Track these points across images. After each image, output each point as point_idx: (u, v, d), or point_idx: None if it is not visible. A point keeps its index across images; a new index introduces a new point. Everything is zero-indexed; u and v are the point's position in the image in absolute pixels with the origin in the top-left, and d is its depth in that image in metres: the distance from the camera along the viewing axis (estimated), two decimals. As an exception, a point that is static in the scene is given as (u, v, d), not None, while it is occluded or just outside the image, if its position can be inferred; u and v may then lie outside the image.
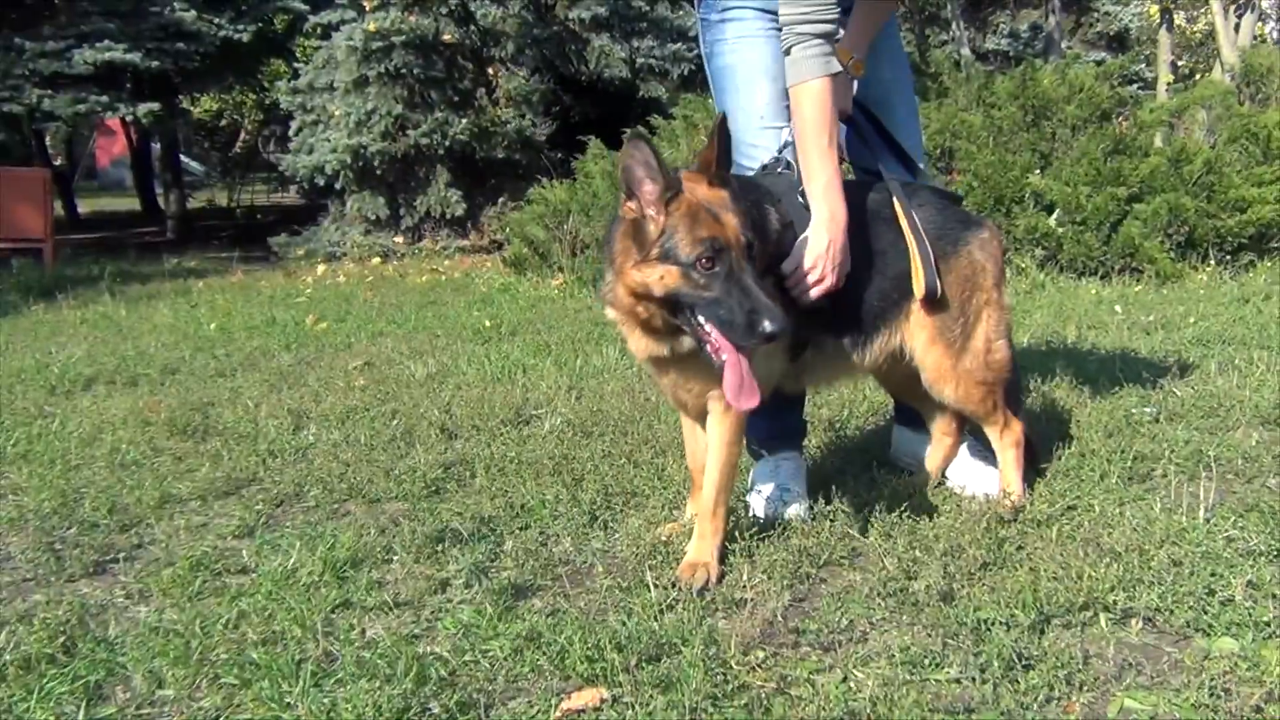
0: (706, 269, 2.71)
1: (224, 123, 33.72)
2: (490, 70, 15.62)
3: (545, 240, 10.75)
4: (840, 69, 3.25)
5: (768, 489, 3.56)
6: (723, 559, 3.07)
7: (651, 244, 2.77)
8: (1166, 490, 3.56)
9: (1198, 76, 20.99)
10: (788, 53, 3.22)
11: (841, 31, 3.27)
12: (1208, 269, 8.77)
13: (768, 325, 2.63)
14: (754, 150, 3.47)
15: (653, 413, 4.79)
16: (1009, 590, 2.78)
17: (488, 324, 7.94)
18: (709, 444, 3.14)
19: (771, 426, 3.71)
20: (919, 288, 3.28)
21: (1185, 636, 2.60)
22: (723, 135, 2.82)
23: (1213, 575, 2.83)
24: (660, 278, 2.77)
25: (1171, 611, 2.68)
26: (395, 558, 3.25)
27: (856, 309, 3.30)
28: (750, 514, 3.48)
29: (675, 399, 3.24)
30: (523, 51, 15.46)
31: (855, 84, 3.51)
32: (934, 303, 3.32)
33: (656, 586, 2.91)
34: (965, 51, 21.98)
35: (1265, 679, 2.35)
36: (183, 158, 25.55)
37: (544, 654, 2.54)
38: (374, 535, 3.44)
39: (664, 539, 3.28)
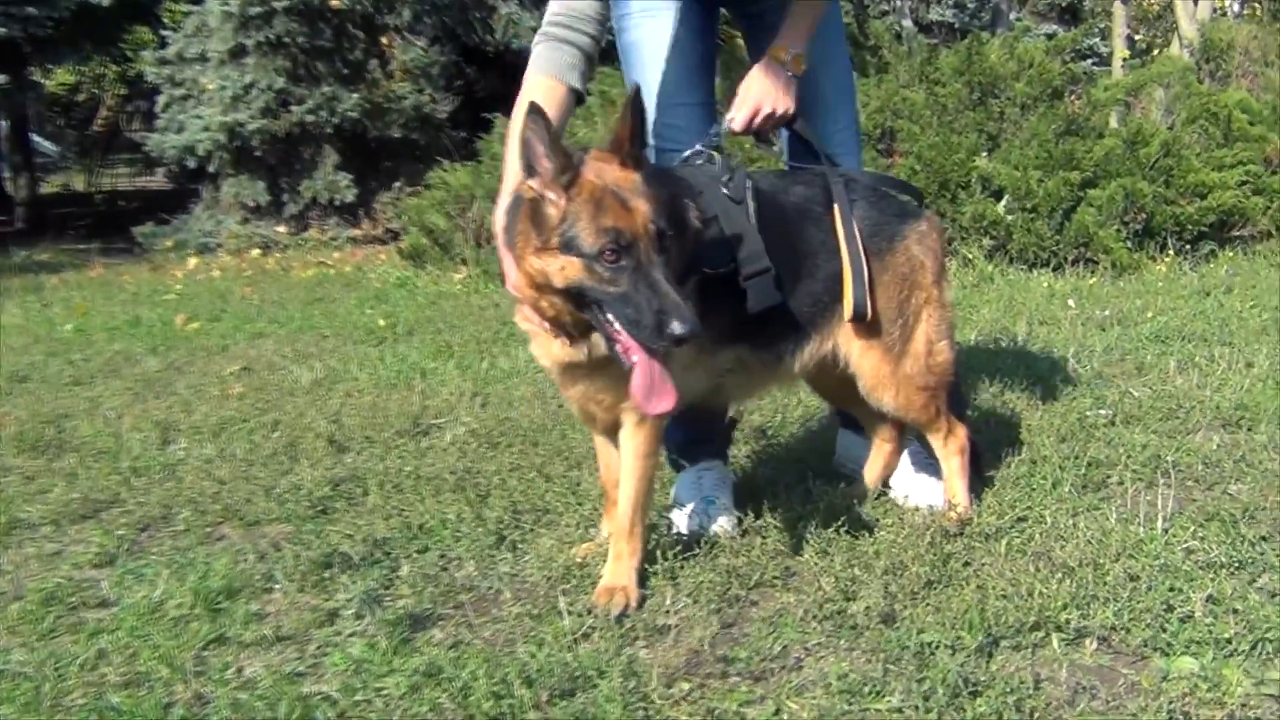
0: (611, 262, 2.69)
1: (81, 98, 32.99)
2: (384, 40, 15.48)
3: (446, 229, 10.69)
4: (579, 88, 3.37)
5: (691, 503, 3.58)
6: (643, 582, 3.08)
7: (551, 230, 2.76)
8: (1123, 499, 3.65)
9: (1155, 52, 21.52)
10: (535, 46, 3.38)
11: (586, 56, 3.37)
12: (1166, 259, 8.99)
13: (676, 327, 2.61)
14: (668, 130, 3.51)
15: (566, 421, 4.79)
16: (955, 610, 2.82)
17: (382, 323, 7.88)
18: (622, 457, 3.15)
19: (691, 433, 3.73)
20: (847, 308, 3.32)
21: (1142, 657, 2.65)
22: (635, 111, 2.82)
23: (1171, 590, 2.90)
24: (561, 269, 2.76)
25: (1128, 630, 2.74)
26: (277, 586, 3.21)
27: (785, 314, 3.31)
28: (673, 531, 3.50)
29: (584, 412, 3.24)
30: (421, 19, 15.38)
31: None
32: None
33: (570, 613, 2.90)
34: (907, 23, 22.29)
35: (1227, 700, 2.41)
36: (34, 137, 24.98)
37: (445, 691, 2.52)
38: (252, 562, 3.39)
39: (579, 561, 3.28)
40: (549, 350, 3.06)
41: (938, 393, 3.53)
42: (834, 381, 3.65)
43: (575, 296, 2.79)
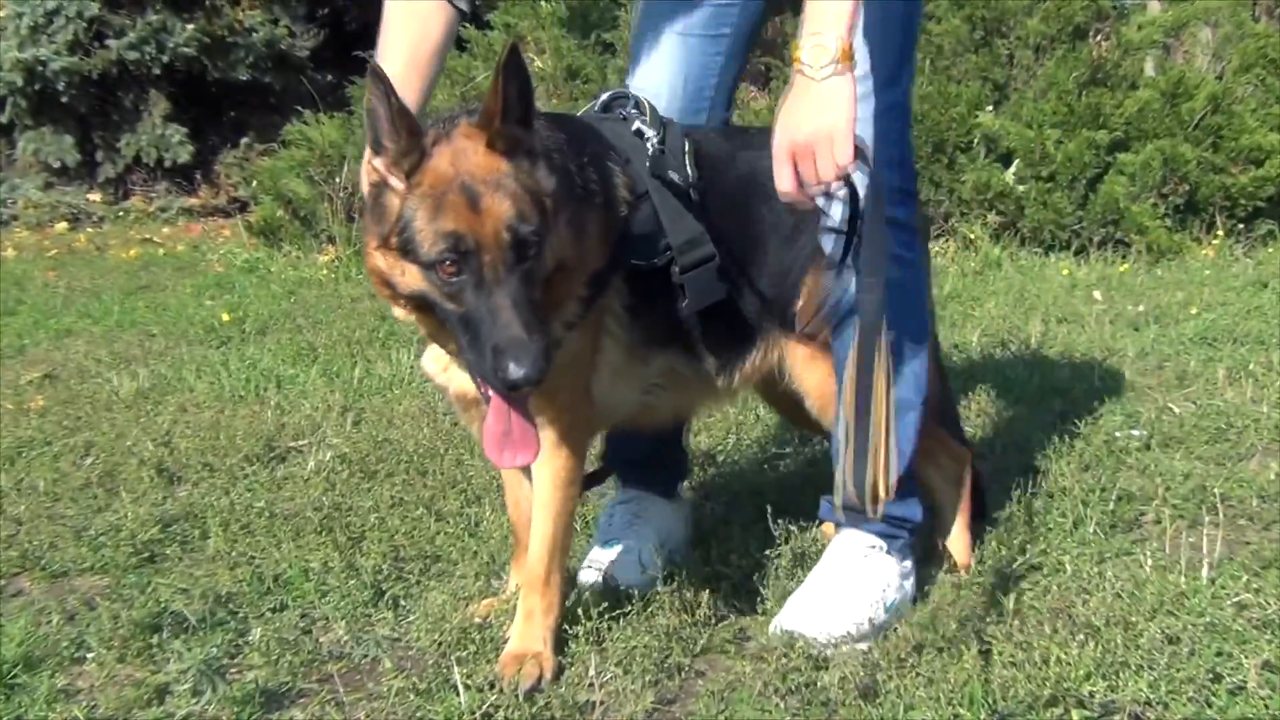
0: (449, 275, 2.68)
1: None
2: (228, -45, 15.40)
3: (309, 199, 10.63)
4: (462, 5, 3.21)
5: (597, 546, 3.63)
6: (560, 647, 3.08)
7: (391, 225, 2.75)
8: (1160, 541, 3.70)
9: (1200, -18, 21.81)
10: None
11: None
12: (1214, 241, 9.12)
13: (511, 370, 2.59)
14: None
15: (462, 443, 4.77)
16: (951, 682, 2.84)
17: (225, 318, 7.80)
18: (536, 487, 3.15)
19: (620, 447, 3.76)
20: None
21: (1184, 738, 2.70)
22: (512, 75, 2.73)
23: (1219, 655, 2.94)
24: (402, 274, 2.76)
25: (1166, 705, 2.77)
26: (90, 655, 3.17)
27: (728, 315, 3.33)
28: (589, 583, 3.50)
29: None
30: (275, -72, 15.31)
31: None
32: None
33: (468, 688, 2.89)
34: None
35: (1286, 792, 2.46)
36: None
37: (307, 788, 2.52)
38: (58, 624, 3.34)
39: (478, 620, 3.27)
40: (449, 375, 3.07)
41: (928, 408, 3.55)
42: (787, 398, 3.66)
43: (427, 309, 2.79)
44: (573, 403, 3.09)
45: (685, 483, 4.01)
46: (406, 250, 2.71)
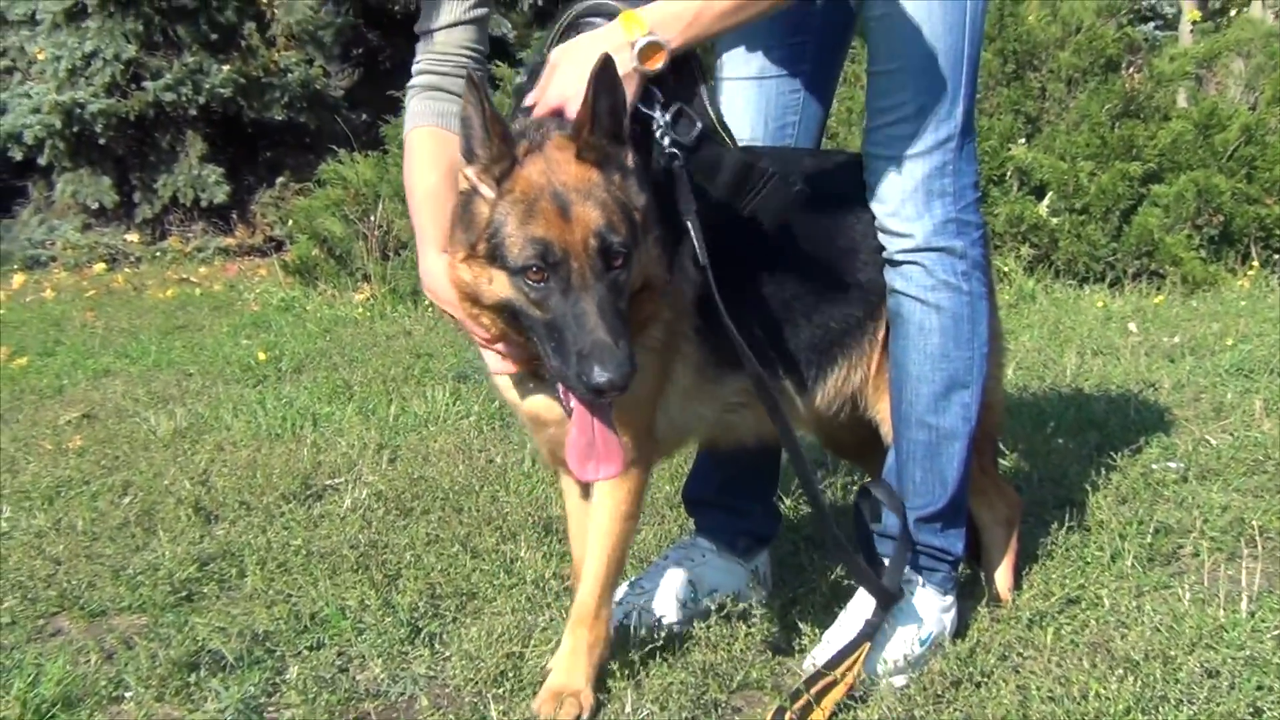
0: (536, 282, 2.70)
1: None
2: (263, -4, 15.52)
3: (344, 238, 10.67)
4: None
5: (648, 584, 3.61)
6: (601, 684, 3.08)
7: (479, 233, 2.77)
8: (1198, 575, 3.67)
9: (1233, 13, 21.78)
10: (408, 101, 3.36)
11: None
12: (1249, 272, 9.09)
13: (596, 374, 2.60)
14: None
15: (497, 480, 4.78)
16: (990, 717, 2.84)
17: (262, 357, 7.83)
18: (593, 520, 3.13)
19: (696, 482, 3.76)
20: None
21: (1225, 773, 2.68)
22: (602, 86, 2.74)
23: (1259, 689, 2.93)
24: (489, 282, 2.78)
25: (1206, 740, 2.76)
26: (128, 695, 3.18)
27: (802, 332, 3.32)
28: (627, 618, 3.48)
29: (554, 457, 3.22)
30: (310, -30, 15.42)
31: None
32: None
33: (504, 725, 2.90)
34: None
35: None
36: None
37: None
38: (96, 663, 3.35)
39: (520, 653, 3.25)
40: (522, 398, 3.07)
41: (984, 446, 3.55)
42: (848, 431, 3.66)
43: (511, 318, 2.80)
44: (636, 436, 3.05)
45: (765, 552, 3.81)
46: (494, 257, 2.74)
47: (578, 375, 2.63)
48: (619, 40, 2.86)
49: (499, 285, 2.75)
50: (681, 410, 3.13)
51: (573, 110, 2.81)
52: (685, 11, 2.90)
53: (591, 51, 2.78)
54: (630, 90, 2.86)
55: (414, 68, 3.33)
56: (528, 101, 3.03)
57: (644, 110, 2.94)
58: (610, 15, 2.95)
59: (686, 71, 3.01)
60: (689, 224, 2.93)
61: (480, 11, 3.27)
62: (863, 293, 3.37)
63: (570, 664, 3.03)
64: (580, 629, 3.06)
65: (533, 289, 2.69)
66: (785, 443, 3.06)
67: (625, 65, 2.82)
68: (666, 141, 2.93)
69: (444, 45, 3.28)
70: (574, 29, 3.00)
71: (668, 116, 2.94)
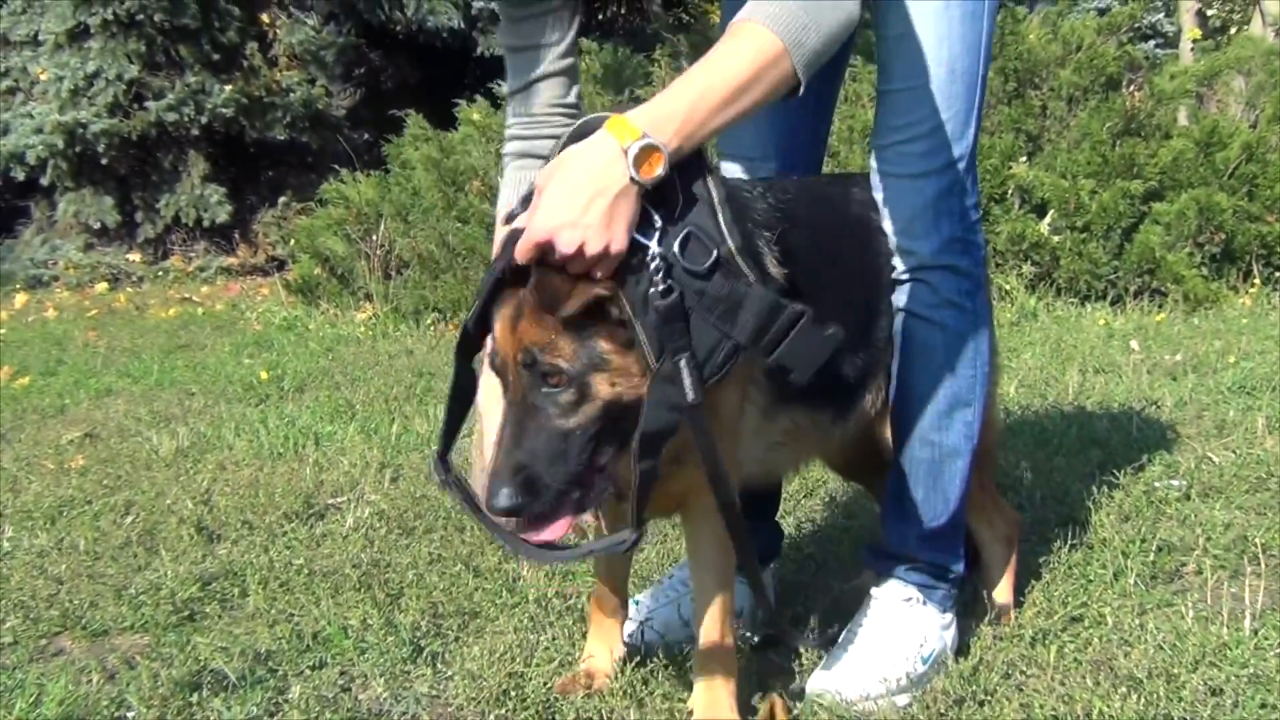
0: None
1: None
2: (265, 17, 15.55)
3: (346, 257, 10.69)
4: None
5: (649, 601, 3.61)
6: (604, 700, 3.07)
7: None
8: (1201, 592, 3.67)
9: (1233, 31, 21.81)
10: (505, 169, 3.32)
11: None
12: (1251, 290, 9.09)
13: (493, 497, 2.60)
14: None
15: (500, 499, 4.78)
16: (993, 735, 2.84)
17: (264, 376, 7.85)
18: (700, 556, 3.08)
19: None
20: None
21: (1229, 792, 2.68)
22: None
23: (1263, 707, 2.93)
24: None
25: (1210, 758, 2.76)
26: (131, 714, 3.17)
27: (845, 367, 3.30)
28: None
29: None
30: (312, -9, 15.48)
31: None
32: None
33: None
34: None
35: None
36: None
37: None
38: (99, 683, 3.36)
39: (563, 692, 3.19)
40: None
41: (983, 463, 3.55)
42: (853, 448, 3.65)
43: None
44: (729, 465, 3.00)
45: (768, 571, 3.76)
46: None
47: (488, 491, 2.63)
48: (610, 151, 2.59)
49: None
50: (747, 450, 3.12)
51: (563, 242, 2.56)
52: (678, 109, 2.65)
53: (579, 166, 2.61)
54: (627, 211, 2.60)
55: (506, 131, 3.31)
56: (517, 225, 2.76)
57: (640, 240, 2.63)
58: None
59: (691, 177, 2.74)
60: (681, 365, 2.67)
61: (568, 62, 3.22)
62: (889, 319, 3.38)
63: (710, 699, 2.98)
64: (712, 661, 3.01)
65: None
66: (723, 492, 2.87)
67: (620, 179, 2.57)
68: (660, 278, 2.63)
69: (535, 106, 3.25)
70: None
71: (675, 245, 2.66)
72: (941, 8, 3.24)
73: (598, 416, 2.63)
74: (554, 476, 2.59)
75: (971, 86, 3.32)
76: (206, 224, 14.50)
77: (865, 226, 3.35)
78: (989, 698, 3.05)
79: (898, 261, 3.32)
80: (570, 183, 2.59)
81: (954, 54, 3.25)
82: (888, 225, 3.31)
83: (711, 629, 3.01)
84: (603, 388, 2.63)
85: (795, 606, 3.62)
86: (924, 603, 3.34)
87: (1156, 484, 4.61)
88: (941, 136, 3.25)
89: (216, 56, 14.60)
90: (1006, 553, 3.65)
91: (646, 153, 2.58)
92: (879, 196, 3.32)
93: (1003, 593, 3.61)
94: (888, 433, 3.47)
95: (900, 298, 3.33)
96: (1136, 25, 17.15)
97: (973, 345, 3.35)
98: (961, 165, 3.31)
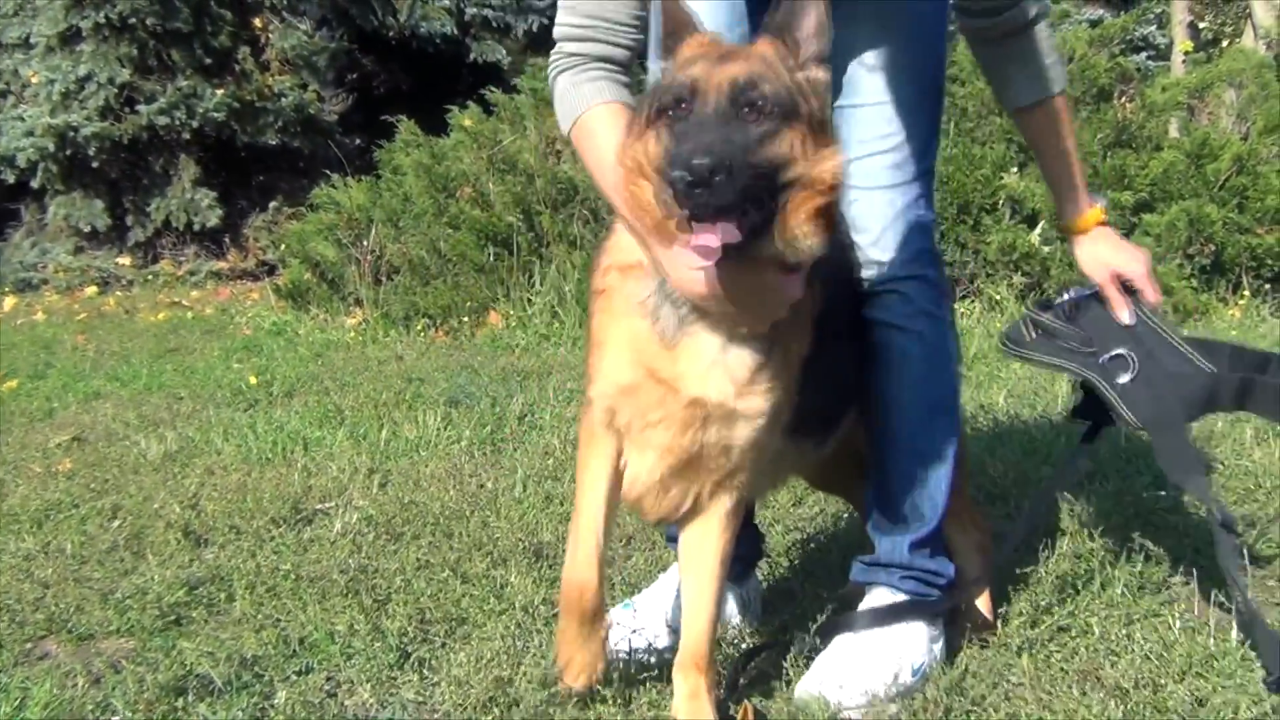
0: (676, 115, 2.72)
1: None
2: (257, 21, 15.55)
3: (336, 262, 10.69)
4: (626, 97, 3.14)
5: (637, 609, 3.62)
6: (590, 706, 3.07)
7: (647, 103, 2.82)
8: (1188, 603, 3.68)
9: (1224, 44, 21.87)
10: (561, 76, 3.17)
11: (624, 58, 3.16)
12: (1240, 301, 9.12)
13: (695, 158, 2.52)
14: None
15: (488, 505, 4.78)
16: (979, 745, 2.84)
17: (253, 381, 7.85)
18: (700, 561, 3.08)
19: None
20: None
21: (1214, 802, 2.69)
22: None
23: (1249, 718, 2.93)
24: (655, 141, 2.77)
25: (1196, 768, 2.77)
26: (116, 719, 3.17)
27: (826, 405, 3.35)
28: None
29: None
30: (304, -5, 15.48)
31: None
32: None
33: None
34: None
35: None
36: None
37: None
38: (84, 687, 3.35)
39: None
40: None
41: (957, 471, 3.56)
42: (832, 466, 3.69)
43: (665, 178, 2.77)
44: (752, 479, 3.08)
45: (754, 576, 3.81)
46: (652, 107, 2.75)
47: (676, 161, 2.56)
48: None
49: (652, 140, 2.74)
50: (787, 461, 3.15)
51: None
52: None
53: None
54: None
55: (563, 29, 3.15)
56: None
57: None
58: None
59: None
60: None
61: None
62: (862, 342, 3.43)
63: (693, 707, 2.98)
64: (692, 673, 3.01)
65: (674, 121, 2.68)
66: None
67: None
68: None
69: (608, 8, 3.11)
70: None
71: None
72: (914, 25, 3.31)
73: (776, 160, 2.64)
74: (740, 174, 2.55)
75: (938, 101, 3.43)
76: (197, 228, 14.51)
77: (840, 247, 3.34)
78: (976, 707, 3.05)
79: (869, 274, 3.36)
80: None
81: (923, 72, 3.34)
82: (858, 238, 3.33)
83: (700, 642, 3.03)
84: (785, 146, 2.66)
85: (783, 614, 3.62)
86: (914, 612, 3.36)
87: (1144, 495, 4.63)
88: (911, 150, 3.32)
89: (208, 61, 14.61)
90: (982, 561, 3.67)
91: None
92: (848, 211, 3.32)
93: (982, 601, 3.62)
94: (862, 444, 3.51)
95: (875, 310, 3.36)
96: (1128, 37, 17.20)
97: (946, 351, 3.44)
98: (927, 177, 3.39)
